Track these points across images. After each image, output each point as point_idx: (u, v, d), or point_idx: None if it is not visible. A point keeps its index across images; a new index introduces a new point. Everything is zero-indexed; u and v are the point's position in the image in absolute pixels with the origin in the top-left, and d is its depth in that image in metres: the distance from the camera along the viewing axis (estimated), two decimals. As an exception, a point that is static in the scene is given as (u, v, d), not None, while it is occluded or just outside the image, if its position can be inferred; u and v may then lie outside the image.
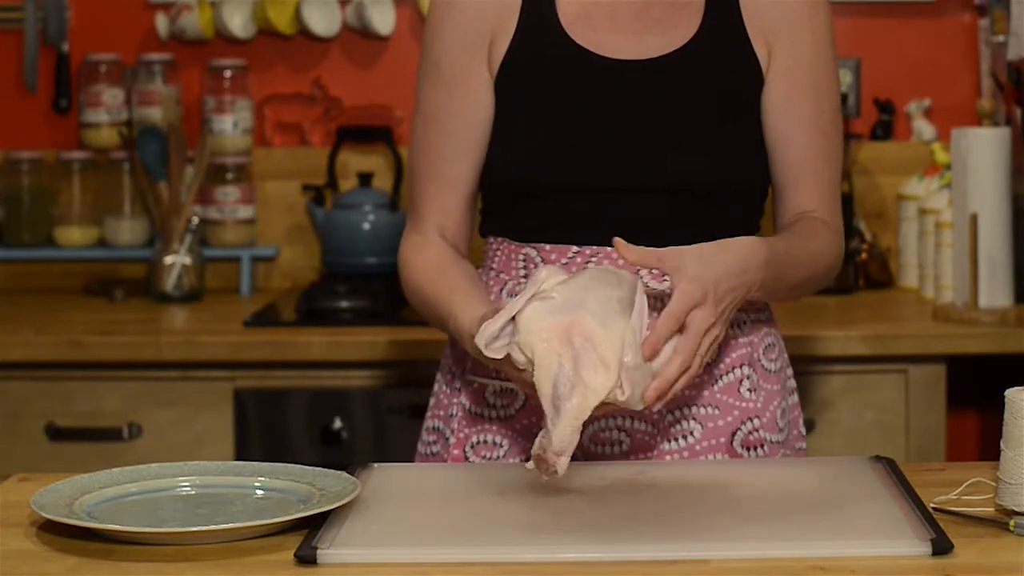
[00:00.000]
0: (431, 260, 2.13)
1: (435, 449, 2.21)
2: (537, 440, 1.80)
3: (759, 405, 2.14)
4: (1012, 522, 1.72)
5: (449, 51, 2.15)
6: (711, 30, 2.12)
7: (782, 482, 1.93)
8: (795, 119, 2.13)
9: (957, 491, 1.84)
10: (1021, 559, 1.64)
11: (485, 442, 2.15)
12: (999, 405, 1.80)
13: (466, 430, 2.16)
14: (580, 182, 2.10)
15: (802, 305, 3.27)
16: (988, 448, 3.60)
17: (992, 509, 1.78)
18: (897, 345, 3.18)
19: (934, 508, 1.78)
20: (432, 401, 2.25)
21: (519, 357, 1.82)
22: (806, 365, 3.16)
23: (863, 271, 3.65)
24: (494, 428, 2.15)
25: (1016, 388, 1.76)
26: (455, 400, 2.19)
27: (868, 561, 1.63)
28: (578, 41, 2.12)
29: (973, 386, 3.58)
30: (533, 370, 1.81)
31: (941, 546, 1.64)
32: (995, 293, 3.29)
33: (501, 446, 2.14)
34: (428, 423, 2.24)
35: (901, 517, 1.75)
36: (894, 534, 1.69)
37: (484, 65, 2.14)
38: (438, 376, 2.25)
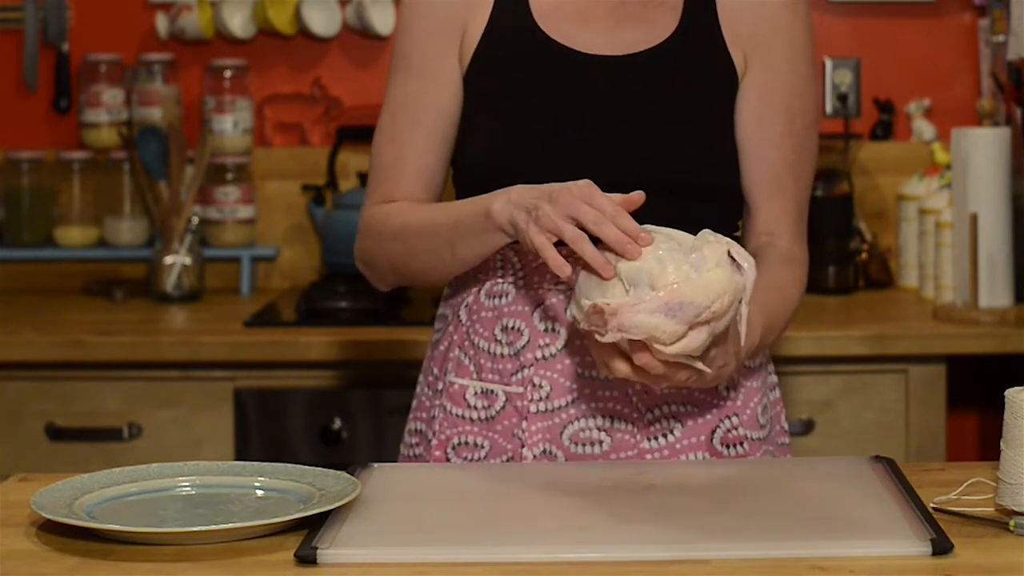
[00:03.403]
0: (402, 203, 2.13)
1: (417, 451, 2.21)
2: (615, 296, 1.79)
3: (739, 403, 2.14)
4: (1012, 522, 1.72)
5: (421, 44, 2.15)
6: (687, 30, 2.12)
7: (782, 482, 1.93)
8: (766, 134, 2.13)
9: (957, 491, 1.84)
10: (1021, 559, 1.64)
11: (466, 443, 2.14)
12: (999, 405, 1.80)
13: (447, 431, 2.15)
14: (551, 177, 2.08)
15: (802, 305, 3.26)
16: (988, 448, 3.60)
17: (992, 509, 1.78)
18: (897, 345, 3.18)
19: (934, 508, 1.78)
20: (414, 403, 2.25)
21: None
22: (806, 365, 3.17)
23: (863, 271, 3.64)
24: (475, 429, 2.14)
25: (1016, 388, 1.76)
26: (436, 402, 2.18)
27: (868, 561, 1.63)
28: (550, 35, 2.12)
29: (973, 386, 3.58)
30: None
31: (941, 546, 1.64)
32: (995, 293, 3.29)
33: (482, 447, 2.13)
34: (410, 425, 2.24)
35: (901, 517, 1.75)
36: (894, 534, 1.69)
37: (455, 59, 2.15)
38: (420, 378, 2.25)
